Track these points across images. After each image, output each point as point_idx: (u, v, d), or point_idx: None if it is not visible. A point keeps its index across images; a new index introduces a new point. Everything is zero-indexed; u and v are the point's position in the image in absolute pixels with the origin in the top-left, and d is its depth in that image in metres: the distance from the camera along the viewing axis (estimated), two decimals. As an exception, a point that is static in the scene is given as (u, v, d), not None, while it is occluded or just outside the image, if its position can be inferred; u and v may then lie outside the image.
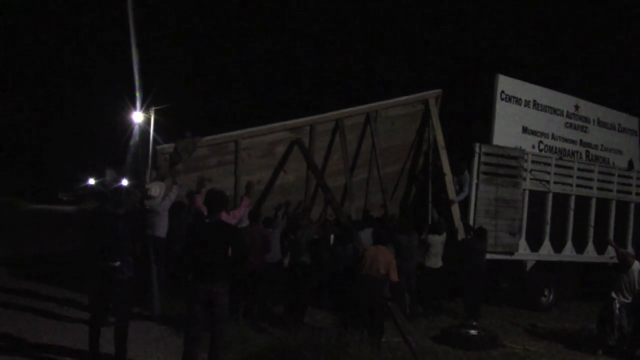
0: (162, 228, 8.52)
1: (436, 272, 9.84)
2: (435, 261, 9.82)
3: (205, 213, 6.14)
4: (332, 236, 9.34)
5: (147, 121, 34.48)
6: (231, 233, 5.66)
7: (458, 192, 10.63)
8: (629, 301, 8.09)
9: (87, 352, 5.95)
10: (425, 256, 9.80)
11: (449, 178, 10.61)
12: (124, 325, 5.91)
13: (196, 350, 5.50)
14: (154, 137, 32.84)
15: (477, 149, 10.63)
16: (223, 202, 5.79)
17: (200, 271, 5.39)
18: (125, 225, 6.01)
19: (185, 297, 5.59)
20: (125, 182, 38.16)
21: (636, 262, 8.15)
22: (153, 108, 33.90)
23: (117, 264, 5.84)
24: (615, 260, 9.45)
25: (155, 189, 8.55)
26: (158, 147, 9.40)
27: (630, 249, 11.15)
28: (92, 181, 62.97)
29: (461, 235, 10.24)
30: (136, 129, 36.09)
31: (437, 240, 9.83)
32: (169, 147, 8.96)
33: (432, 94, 11.32)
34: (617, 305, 8.08)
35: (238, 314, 8.04)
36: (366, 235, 8.93)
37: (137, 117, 35.56)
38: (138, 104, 34.35)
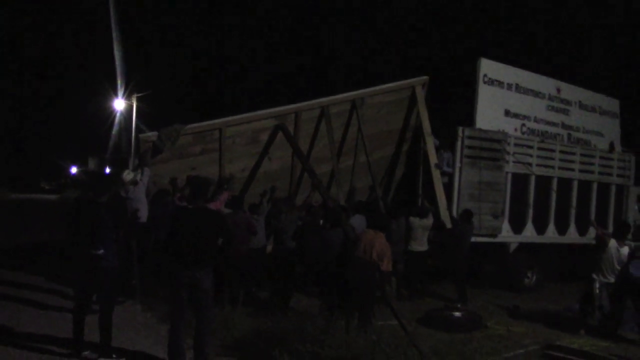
0: (141, 214, 8.50)
1: (419, 255, 9.91)
2: (416, 244, 9.87)
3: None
4: (321, 221, 9.35)
5: (129, 108, 34.24)
6: (215, 219, 5.65)
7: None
8: (610, 281, 8.19)
9: (72, 340, 5.94)
10: (409, 239, 9.86)
11: (433, 165, 10.65)
12: (109, 312, 5.91)
13: (181, 336, 5.52)
14: (136, 124, 32.64)
15: (460, 133, 10.69)
16: (206, 189, 5.79)
17: (183, 257, 5.39)
18: (107, 213, 6.00)
19: (170, 284, 5.59)
20: (107, 170, 37.85)
21: (612, 241, 8.25)
22: (135, 95, 33.65)
23: (101, 251, 5.82)
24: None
25: (128, 174, 8.58)
26: (141, 135, 9.31)
27: (611, 230, 11.29)
28: (74, 169, 62.36)
29: (446, 219, 10.30)
30: (118, 117, 35.82)
31: (419, 224, 9.87)
32: (152, 135, 8.90)
33: (418, 81, 11.30)
34: (598, 286, 8.19)
35: (223, 300, 8.06)
36: (357, 221, 8.94)
37: (119, 104, 35.29)
38: (120, 91, 34.10)
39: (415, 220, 9.88)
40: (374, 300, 7.25)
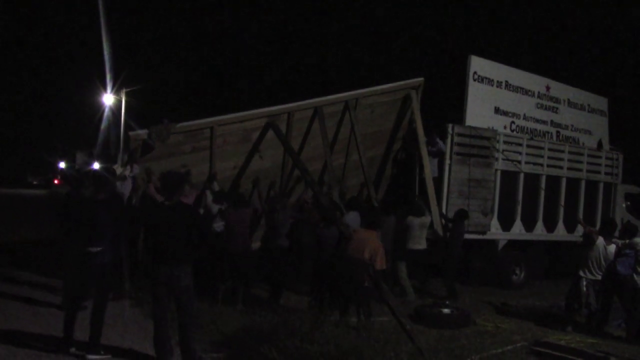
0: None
1: (419, 253, 9.91)
2: (414, 243, 9.86)
3: (158, 199, 6.75)
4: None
5: (118, 103, 34.03)
6: (191, 215, 5.64)
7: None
8: (597, 278, 8.24)
9: (60, 338, 5.91)
10: (407, 238, 9.87)
11: (428, 174, 10.64)
12: (102, 309, 5.89)
13: (166, 332, 5.52)
14: (125, 119, 32.42)
15: (450, 130, 10.71)
16: (182, 184, 5.81)
17: (160, 254, 5.38)
18: (105, 211, 6.00)
19: (149, 280, 5.59)
20: (96, 165, 37.61)
21: (600, 238, 8.30)
22: (124, 90, 33.42)
23: (98, 248, 5.82)
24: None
25: (117, 169, 8.57)
26: (131, 133, 9.23)
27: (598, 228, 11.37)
28: (62, 165, 61.99)
29: (438, 227, 10.34)
30: (107, 112, 35.55)
31: (417, 223, 9.89)
32: (142, 132, 8.83)
33: (413, 83, 11.25)
34: (585, 283, 8.24)
35: (218, 296, 8.11)
36: (351, 218, 8.94)
37: (108, 99, 35.06)
38: (109, 85, 33.84)
39: (413, 219, 9.89)
40: (367, 297, 7.22)
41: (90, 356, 5.66)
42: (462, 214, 10.17)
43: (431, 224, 10.21)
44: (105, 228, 5.95)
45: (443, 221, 10.44)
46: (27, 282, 8.86)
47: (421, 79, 11.42)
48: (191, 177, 9.00)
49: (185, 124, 9.08)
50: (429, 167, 10.65)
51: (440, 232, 10.31)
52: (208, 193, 9.05)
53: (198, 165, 9.29)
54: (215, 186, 9.18)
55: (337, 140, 10.89)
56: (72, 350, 5.79)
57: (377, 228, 7.57)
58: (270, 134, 9.64)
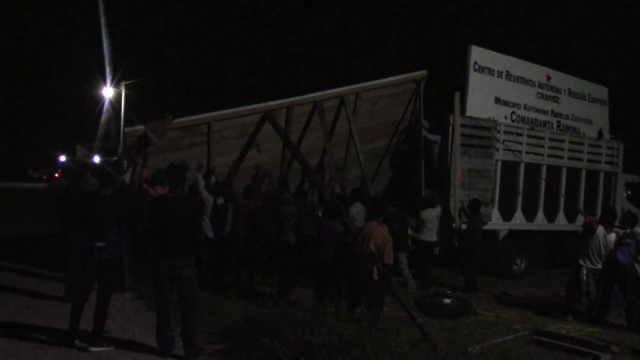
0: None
1: (430, 245, 9.95)
2: (429, 235, 9.90)
3: (150, 191, 7.18)
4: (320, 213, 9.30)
5: (118, 96, 34.05)
6: (193, 207, 5.67)
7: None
8: (597, 267, 8.26)
9: (61, 330, 5.95)
10: (421, 230, 9.90)
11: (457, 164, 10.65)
12: (106, 302, 5.93)
13: (168, 324, 5.56)
14: (125, 112, 32.45)
15: (450, 121, 10.69)
16: (184, 178, 5.86)
17: (163, 246, 5.40)
18: (110, 206, 6.04)
19: (152, 272, 5.62)
20: (97, 159, 37.61)
21: (600, 227, 8.31)
22: (124, 83, 33.43)
23: (102, 243, 5.85)
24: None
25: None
26: (127, 129, 9.20)
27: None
28: (63, 158, 62.05)
29: (456, 218, 10.36)
30: (107, 105, 35.55)
31: (433, 214, 9.91)
32: (138, 128, 8.80)
33: (416, 76, 11.15)
34: (585, 272, 8.26)
35: (230, 290, 8.21)
36: (356, 210, 8.92)
37: (108, 92, 35.06)
38: (108, 79, 33.84)
39: (431, 211, 9.91)
40: (377, 290, 7.19)
41: (93, 348, 5.70)
42: (476, 205, 10.17)
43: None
44: (110, 223, 6.00)
45: (462, 214, 10.43)
46: (29, 275, 8.89)
47: (424, 71, 11.34)
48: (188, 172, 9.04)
49: (182, 119, 9.06)
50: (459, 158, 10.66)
51: (457, 224, 10.31)
52: (203, 189, 9.02)
53: (196, 161, 9.27)
54: (213, 181, 9.18)
55: (337, 133, 10.86)
56: (76, 342, 5.82)
57: (387, 221, 7.50)
58: (269, 127, 9.61)
